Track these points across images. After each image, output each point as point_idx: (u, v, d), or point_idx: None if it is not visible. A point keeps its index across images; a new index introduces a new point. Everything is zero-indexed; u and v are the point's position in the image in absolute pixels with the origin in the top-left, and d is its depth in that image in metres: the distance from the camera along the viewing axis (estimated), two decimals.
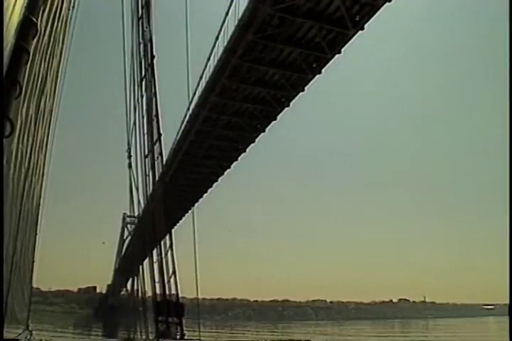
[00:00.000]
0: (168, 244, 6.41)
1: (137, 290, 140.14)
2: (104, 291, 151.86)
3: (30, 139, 12.06)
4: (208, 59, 23.72)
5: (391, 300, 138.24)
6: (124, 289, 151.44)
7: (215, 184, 46.53)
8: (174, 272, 6.36)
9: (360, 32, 18.81)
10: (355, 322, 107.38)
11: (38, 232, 14.01)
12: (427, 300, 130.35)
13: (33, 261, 14.13)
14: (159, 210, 6.54)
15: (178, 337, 6.20)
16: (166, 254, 6.33)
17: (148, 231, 6.44)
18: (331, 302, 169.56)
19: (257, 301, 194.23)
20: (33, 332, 14.09)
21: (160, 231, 6.44)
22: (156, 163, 6.73)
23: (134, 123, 7.30)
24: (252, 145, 34.75)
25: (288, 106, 26.23)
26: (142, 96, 7.39)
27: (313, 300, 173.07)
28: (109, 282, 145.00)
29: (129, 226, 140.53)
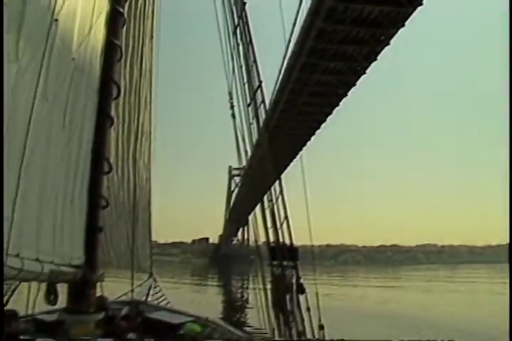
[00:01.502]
0: (278, 190, 6.45)
1: (247, 239, 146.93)
2: (216, 241, 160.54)
3: (136, 99, 12.55)
4: (300, 2, 22.88)
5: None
6: (235, 238, 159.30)
7: (318, 131, 46.37)
8: (286, 217, 6.42)
9: None
10: (469, 266, 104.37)
11: (151, 189, 14.78)
12: None
13: (150, 215, 15.02)
14: (267, 156, 6.55)
15: (293, 280, 6.32)
16: (276, 200, 6.38)
17: (258, 178, 6.51)
18: (442, 246, 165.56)
19: (365, 246, 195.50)
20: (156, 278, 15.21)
21: (269, 178, 6.49)
22: (259, 110, 6.71)
23: (233, 72, 7.28)
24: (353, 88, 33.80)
25: (388, 44, 24.92)
26: (238, 45, 7.34)
27: (424, 245, 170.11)
28: (221, 233, 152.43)
29: (235, 178, 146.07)
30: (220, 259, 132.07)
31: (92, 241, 8.07)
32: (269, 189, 6.36)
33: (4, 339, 4.54)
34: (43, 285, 7.86)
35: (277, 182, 6.47)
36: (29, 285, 9.05)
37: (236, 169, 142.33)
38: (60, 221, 6.68)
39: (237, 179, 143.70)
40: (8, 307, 8.25)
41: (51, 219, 6.42)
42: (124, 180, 11.65)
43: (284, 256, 6.28)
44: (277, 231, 6.28)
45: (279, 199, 6.37)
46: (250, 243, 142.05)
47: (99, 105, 8.18)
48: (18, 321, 4.77)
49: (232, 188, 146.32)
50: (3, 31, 2.39)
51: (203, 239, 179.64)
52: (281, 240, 6.32)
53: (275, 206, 6.34)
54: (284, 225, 6.30)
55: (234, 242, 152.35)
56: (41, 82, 5.82)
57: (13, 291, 9.44)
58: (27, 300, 8.99)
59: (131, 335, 5.87)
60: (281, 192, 6.40)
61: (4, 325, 4.69)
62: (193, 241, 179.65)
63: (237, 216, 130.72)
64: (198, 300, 29.82)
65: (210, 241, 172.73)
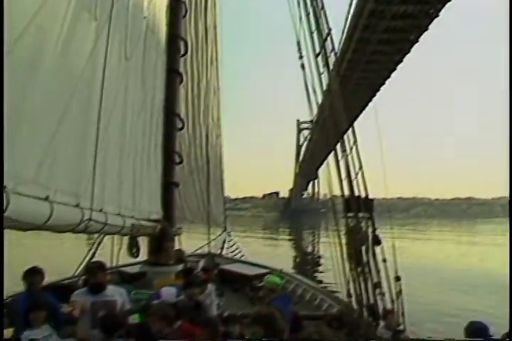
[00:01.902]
0: (351, 140, 6.28)
1: (318, 192, 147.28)
2: (286, 196, 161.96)
3: (203, 56, 12.51)
4: None
5: None
6: (306, 192, 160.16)
7: (388, 80, 44.74)
8: (361, 167, 6.26)
9: None
10: None
11: (222, 145, 14.94)
12: None
13: (222, 171, 15.25)
14: (338, 104, 6.35)
15: (369, 231, 6.23)
16: (350, 150, 6.22)
17: (330, 127, 6.35)
18: None
19: (438, 199, 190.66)
20: (230, 232, 15.63)
21: (342, 126, 6.32)
22: (329, 59, 6.47)
23: (301, 20, 7.01)
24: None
25: None
26: None
27: (500, 197, 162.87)
28: (291, 187, 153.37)
29: (304, 132, 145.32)
30: (291, 213, 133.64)
31: (169, 197, 8.35)
32: (342, 138, 6.18)
33: (93, 288, 4.84)
34: (126, 240, 8.30)
35: (350, 131, 6.28)
36: (113, 239, 9.56)
37: (304, 122, 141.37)
38: (138, 177, 6.92)
39: (305, 133, 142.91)
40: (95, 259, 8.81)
41: (130, 176, 6.65)
42: (196, 137, 11.83)
43: (359, 207, 6.18)
44: (352, 182, 6.16)
45: (353, 149, 6.20)
46: (320, 197, 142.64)
47: (168, 62, 8.23)
48: (105, 272, 5.05)
49: (301, 142, 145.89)
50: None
51: (273, 193, 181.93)
52: (355, 191, 6.20)
53: (349, 156, 6.19)
54: (359, 176, 6.16)
55: (304, 196, 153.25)
56: (120, 41, 5.90)
57: (99, 245, 10.01)
58: (111, 254, 9.48)
59: (209, 286, 6.08)
60: (355, 141, 6.22)
61: (91, 275, 4.96)
62: (264, 196, 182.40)
63: (306, 170, 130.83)
64: (270, 253, 30.48)
65: (281, 195, 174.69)
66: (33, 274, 4.95)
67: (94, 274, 4.88)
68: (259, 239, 45.96)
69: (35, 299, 4.50)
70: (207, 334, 4.22)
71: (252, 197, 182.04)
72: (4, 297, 7.20)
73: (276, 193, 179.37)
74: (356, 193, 6.27)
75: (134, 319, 4.79)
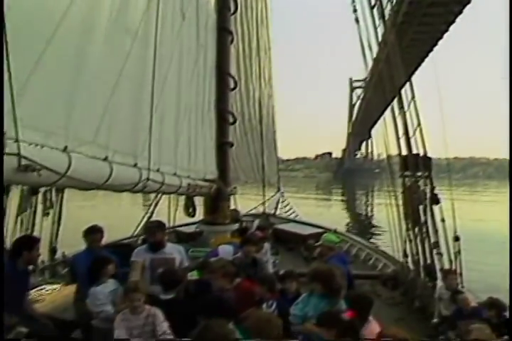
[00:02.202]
0: (409, 96, 6.02)
1: (371, 152, 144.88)
2: (339, 156, 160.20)
3: (254, 14, 12.25)
4: None
5: None
6: (359, 152, 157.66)
7: (446, 34, 42.68)
8: (419, 124, 6.02)
9: None
10: None
11: (274, 105, 14.80)
12: None
13: (275, 132, 15.19)
14: (395, 57, 6.06)
15: (427, 190, 6.06)
16: (408, 106, 5.98)
17: (387, 81, 6.09)
18: None
19: (497, 159, 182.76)
20: (284, 193, 15.70)
21: (399, 81, 6.06)
22: (384, 11, 6.15)
23: None
24: None
25: None
26: None
27: None
28: (344, 147, 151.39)
29: (356, 90, 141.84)
30: (344, 173, 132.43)
31: (223, 157, 8.42)
32: (400, 94, 5.92)
33: (153, 246, 4.98)
34: (182, 200, 8.48)
35: (408, 85, 6.01)
36: (169, 199, 9.81)
37: (357, 81, 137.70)
38: (193, 138, 6.98)
39: (358, 91, 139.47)
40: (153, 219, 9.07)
41: (185, 137, 6.71)
42: (249, 97, 11.76)
43: (417, 165, 5.99)
44: (409, 140, 5.95)
45: (411, 105, 5.95)
46: (374, 157, 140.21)
47: (218, 21, 8.10)
48: (163, 231, 5.17)
49: (354, 101, 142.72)
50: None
51: (325, 153, 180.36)
52: (413, 149, 5.99)
53: (407, 113, 5.95)
54: (417, 133, 5.93)
55: (357, 156, 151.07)
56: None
57: (156, 206, 10.30)
58: (168, 214, 9.73)
59: (266, 245, 6.16)
60: (413, 97, 5.95)
61: (151, 234, 5.10)
62: (316, 157, 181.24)
63: (359, 129, 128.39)
64: (322, 213, 30.48)
65: (333, 155, 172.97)
66: (94, 232, 5.14)
67: (153, 233, 5.01)
68: (311, 199, 46.01)
69: (95, 256, 4.65)
70: (264, 292, 4.29)
71: (304, 158, 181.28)
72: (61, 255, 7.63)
73: (329, 153, 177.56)
74: (414, 151, 6.08)
75: (193, 275, 4.92)
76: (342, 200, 51.40)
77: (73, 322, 4.85)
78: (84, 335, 4.60)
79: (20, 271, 4.29)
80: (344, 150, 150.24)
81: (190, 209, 8.09)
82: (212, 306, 3.34)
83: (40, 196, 6.93)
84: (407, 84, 6.08)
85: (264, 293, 4.29)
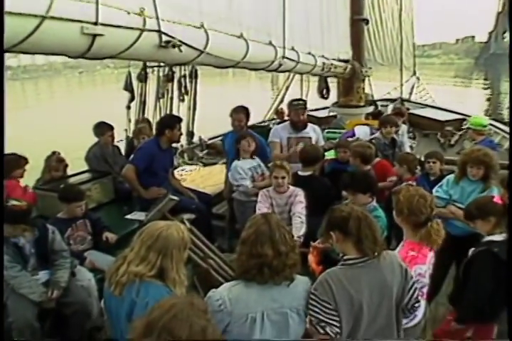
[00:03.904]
0: None
1: None
2: (484, 40, 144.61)
3: None
4: None
5: None
6: (508, 34, 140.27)
7: None
8: None
9: None
10: None
11: None
12: None
13: (412, 10, 13.85)
14: None
15: None
16: None
17: None
18: None
19: None
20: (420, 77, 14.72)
21: None
22: None
23: None
24: None
25: None
26: None
27: None
28: (491, 29, 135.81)
29: None
30: (488, 59, 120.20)
31: (357, 35, 7.94)
32: None
33: (295, 125, 4.95)
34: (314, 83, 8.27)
35: None
36: (301, 82, 9.68)
37: None
38: (325, 15, 6.62)
39: None
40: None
41: (317, 14, 6.39)
42: None
43: None
44: None
45: None
46: None
47: None
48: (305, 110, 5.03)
49: None
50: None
51: (468, 37, 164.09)
52: None
53: None
54: None
55: (506, 39, 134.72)
56: None
57: (287, 88, 10.21)
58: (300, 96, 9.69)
59: (403, 126, 5.86)
60: None
61: (296, 113, 5.00)
62: (457, 41, 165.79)
63: None
64: (460, 102, 28.47)
65: (477, 39, 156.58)
66: (239, 112, 5.12)
67: (299, 112, 4.89)
68: (449, 86, 42.98)
69: (239, 134, 4.73)
70: (403, 171, 4.18)
71: (443, 43, 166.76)
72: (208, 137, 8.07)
73: (472, 37, 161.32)
74: None
75: (329, 155, 4.92)
76: (484, 88, 47.31)
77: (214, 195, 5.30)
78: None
79: (163, 149, 4.54)
80: (491, 33, 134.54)
81: (323, 91, 7.92)
82: (356, 180, 3.32)
83: (175, 83, 7.21)
84: None
85: (404, 173, 4.19)
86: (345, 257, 2.02)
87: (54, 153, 4.70)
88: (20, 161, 4.26)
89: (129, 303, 1.96)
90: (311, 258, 2.81)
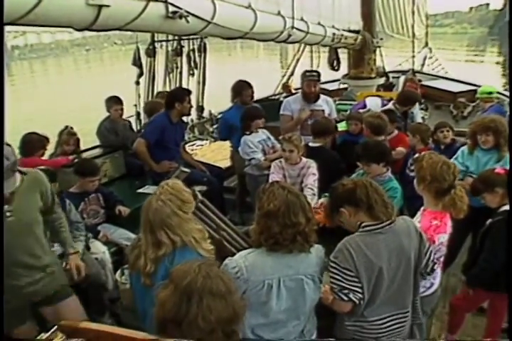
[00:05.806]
0: None
1: None
2: (499, 7, 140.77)
3: None
4: None
5: None
6: None
7: None
8: None
9: None
10: None
11: None
12: None
13: None
14: None
15: None
16: None
17: None
18: None
19: None
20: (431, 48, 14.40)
21: None
22: None
23: None
24: None
25: None
26: None
27: None
28: None
29: None
30: (503, 28, 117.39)
31: (368, 6, 7.77)
32: None
33: (307, 97, 4.88)
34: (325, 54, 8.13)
35: None
36: (311, 54, 9.49)
37: None
38: None
39: None
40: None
41: None
42: None
43: None
44: None
45: None
46: None
47: None
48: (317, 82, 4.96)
49: None
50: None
51: (482, 5, 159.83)
52: None
53: None
54: None
55: None
56: None
57: (298, 61, 10.05)
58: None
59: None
60: None
61: (309, 85, 4.92)
62: (471, 9, 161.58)
63: None
64: (475, 73, 27.94)
65: (491, 7, 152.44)
66: (243, 88, 5.04)
67: (312, 84, 4.84)
68: (462, 56, 42.14)
69: (243, 110, 4.69)
70: (416, 142, 4.14)
71: (455, 12, 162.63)
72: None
73: (487, 4, 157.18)
74: None
75: (340, 127, 4.87)
76: (497, 62, 46.33)
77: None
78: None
79: (174, 123, 4.54)
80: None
81: (334, 62, 7.79)
82: (369, 150, 3.29)
83: (184, 57, 7.15)
84: None
85: (416, 144, 4.15)
86: (362, 224, 2.01)
87: (66, 127, 4.72)
88: (43, 141, 4.27)
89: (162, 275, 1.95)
90: (320, 214, 2.87)
